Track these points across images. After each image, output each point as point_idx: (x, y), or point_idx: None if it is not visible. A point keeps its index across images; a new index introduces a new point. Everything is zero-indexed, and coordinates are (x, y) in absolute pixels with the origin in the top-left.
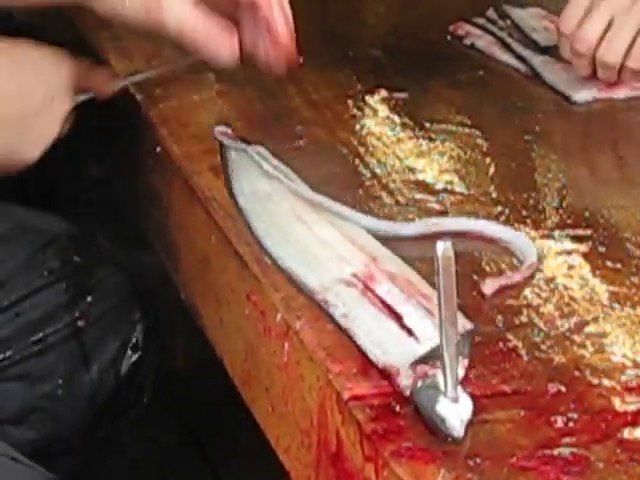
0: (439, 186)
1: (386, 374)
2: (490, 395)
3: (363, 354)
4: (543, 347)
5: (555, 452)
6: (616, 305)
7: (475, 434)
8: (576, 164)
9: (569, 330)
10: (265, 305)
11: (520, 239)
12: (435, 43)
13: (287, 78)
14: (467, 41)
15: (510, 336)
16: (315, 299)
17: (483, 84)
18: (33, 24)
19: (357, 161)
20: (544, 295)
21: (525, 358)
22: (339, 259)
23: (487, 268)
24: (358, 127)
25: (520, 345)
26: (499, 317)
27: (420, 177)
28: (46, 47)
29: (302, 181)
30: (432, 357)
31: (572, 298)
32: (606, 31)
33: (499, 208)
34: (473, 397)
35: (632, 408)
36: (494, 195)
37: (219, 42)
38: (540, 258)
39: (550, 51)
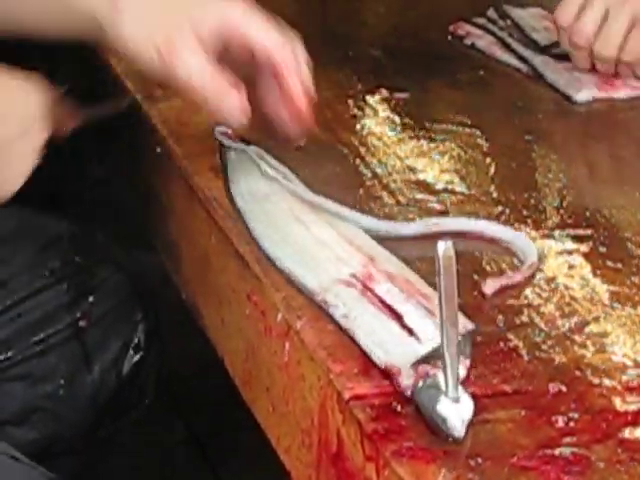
0: (440, 186)
1: (387, 374)
2: (491, 395)
3: (364, 354)
4: (544, 347)
5: (556, 452)
6: (617, 305)
7: (476, 434)
8: (576, 164)
9: (570, 330)
10: (266, 305)
11: (521, 239)
12: (435, 43)
13: None
14: (467, 41)
15: (511, 336)
16: (315, 300)
17: (483, 84)
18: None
19: (358, 161)
20: (545, 295)
21: (526, 358)
22: (337, 260)
23: (488, 268)
24: (359, 127)
25: (521, 345)
26: (500, 317)
27: (421, 177)
28: (18, 75)
29: (301, 182)
30: (433, 357)
31: (573, 298)
32: (603, 23)
33: (500, 208)
34: (474, 397)
35: (633, 408)
36: (495, 195)
37: (228, 101)
38: (541, 258)
39: (550, 50)
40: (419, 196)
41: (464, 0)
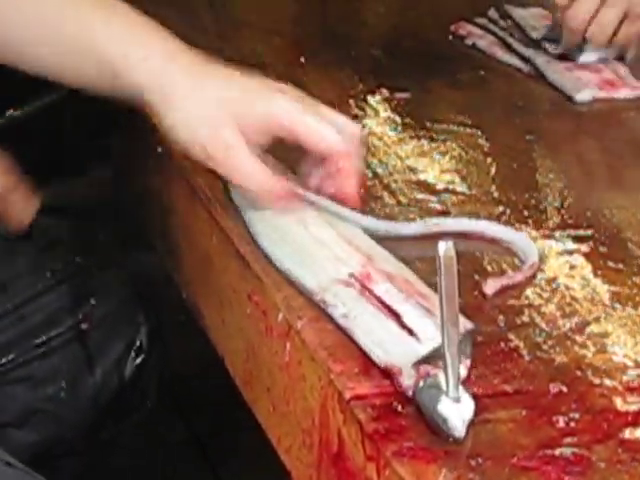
0: (440, 186)
1: (388, 374)
2: (492, 395)
3: (364, 354)
4: (545, 347)
5: (557, 452)
6: (617, 305)
7: (477, 434)
8: (577, 164)
9: (571, 330)
10: (266, 305)
11: (521, 239)
12: (436, 43)
13: (288, 78)
14: (468, 41)
15: (512, 336)
16: (314, 300)
17: (484, 84)
18: None
19: None
20: (545, 295)
21: (527, 358)
22: (336, 259)
23: (488, 268)
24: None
25: (522, 345)
26: (501, 317)
27: (421, 177)
28: None
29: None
30: (434, 357)
31: (573, 298)
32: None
33: (500, 208)
34: (475, 397)
35: (633, 408)
36: (495, 195)
37: (275, 199)
38: (541, 258)
39: (544, 42)
40: (420, 196)
41: (465, 0)
